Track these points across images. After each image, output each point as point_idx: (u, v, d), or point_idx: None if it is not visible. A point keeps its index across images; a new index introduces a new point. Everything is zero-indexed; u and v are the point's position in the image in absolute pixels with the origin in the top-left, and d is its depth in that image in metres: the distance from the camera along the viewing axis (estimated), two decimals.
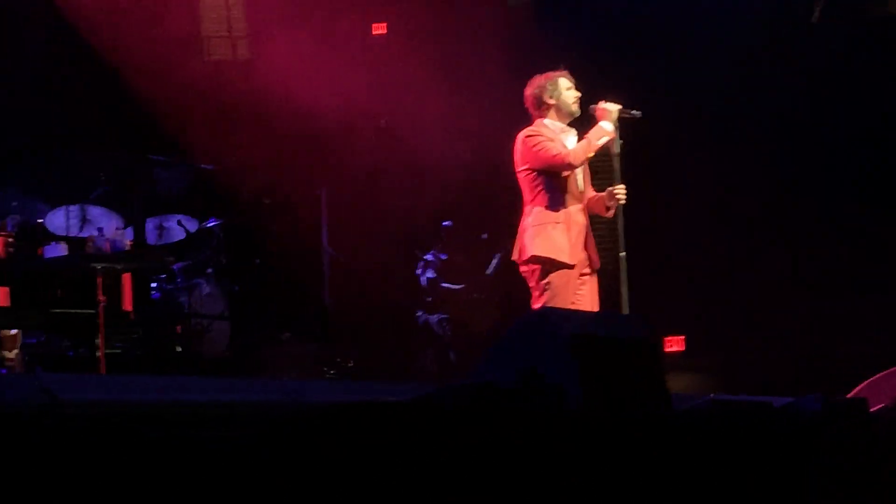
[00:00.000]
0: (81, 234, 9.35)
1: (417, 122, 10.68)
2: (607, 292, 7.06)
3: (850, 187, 9.84)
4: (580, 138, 6.94)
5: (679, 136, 10.11)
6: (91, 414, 3.17)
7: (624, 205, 6.96)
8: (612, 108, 6.95)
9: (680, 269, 10.24)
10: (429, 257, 11.01)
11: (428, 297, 10.90)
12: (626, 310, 6.81)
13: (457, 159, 10.55)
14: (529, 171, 6.88)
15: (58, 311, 8.61)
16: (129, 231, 9.66)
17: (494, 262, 10.87)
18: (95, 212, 9.65)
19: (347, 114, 10.68)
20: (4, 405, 3.12)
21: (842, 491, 3.82)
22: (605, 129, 6.89)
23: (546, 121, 6.95)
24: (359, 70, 10.88)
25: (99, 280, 8.25)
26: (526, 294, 6.97)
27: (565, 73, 7.01)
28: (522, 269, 6.91)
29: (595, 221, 7.05)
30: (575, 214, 6.86)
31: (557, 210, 6.82)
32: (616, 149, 6.96)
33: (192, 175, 10.97)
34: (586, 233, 6.90)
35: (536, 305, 6.74)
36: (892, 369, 5.23)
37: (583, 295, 6.83)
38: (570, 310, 6.27)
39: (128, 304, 8.73)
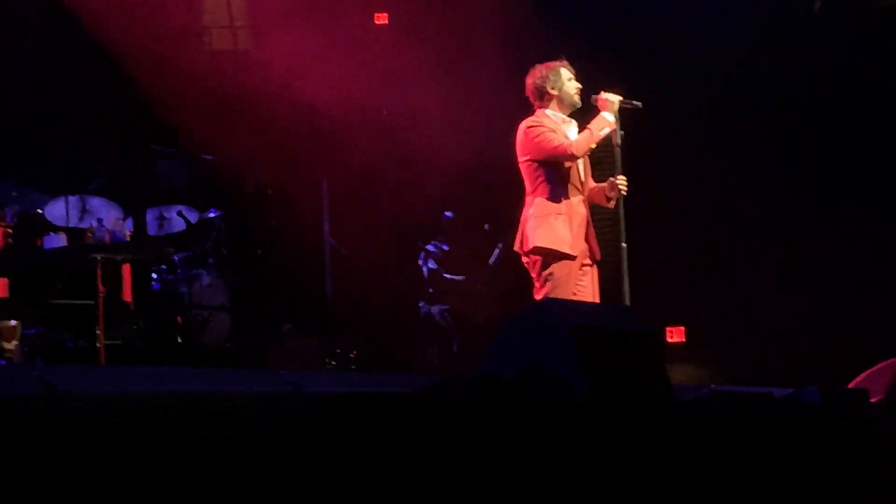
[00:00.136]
0: (81, 225, 9.33)
1: (419, 113, 10.65)
2: (608, 283, 7.04)
3: (848, 182, 9.83)
4: (581, 129, 6.93)
5: (680, 127, 10.09)
6: (90, 405, 3.17)
7: (625, 196, 6.94)
8: (614, 98, 6.93)
9: (681, 261, 10.24)
10: (430, 248, 11.00)
11: (430, 287, 10.89)
12: (626, 301, 6.80)
13: (458, 150, 10.53)
14: (531, 162, 6.87)
15: (57, 302, 8.61)
16: (130, 222, 9.63)
17: (496, 252, 10.87)
18: (95, 202, 9.62)
19: (349, 105, 10.65)
20: (4, 396, 3.11)
21: (840, 481, 3.82)
22: (607, 120, 6.87)
23: (548, 111, 6.94)
24: (360, 61, 10.85)
25: (99, 271, 8.24)
26: (528, 284, 6.96)
27: (565, 62, 6.99)
28: (524, 259, 6.90)
29: (596, 212, 7.04)
30: (576, 205, 6.85)
31: (559, 201, 6.81)
32: (617, 139, 6.94)
33: (193, 166, 10.94)
34: (587, 224, 6.89)
35: (538, 296, 6.72)
36: (887, 362, 5.22)
37: (584, 286, 6.83)
38: (571, 301, 6.26)
39: (128, 295, 8.73)
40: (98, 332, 8.14)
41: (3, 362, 8.07)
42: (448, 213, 11.08)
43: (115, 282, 8.67)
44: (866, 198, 9.71)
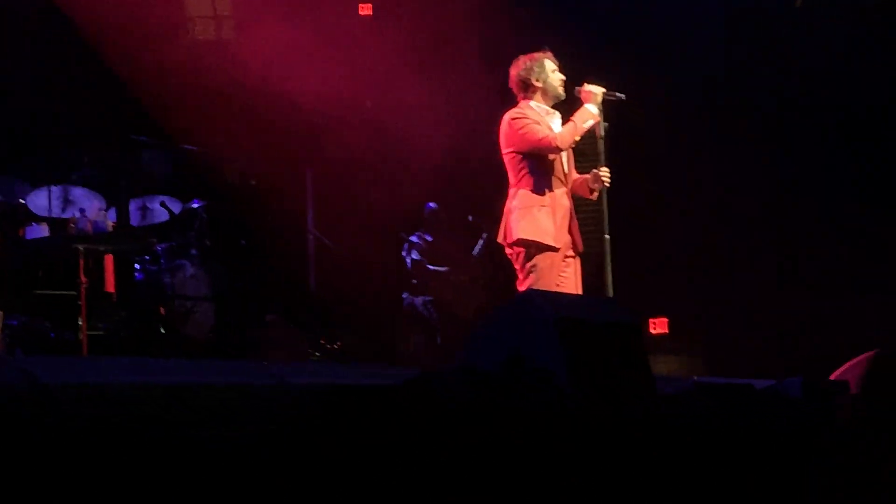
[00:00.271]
0: (64, 215, 9.30)
1: (403, 104, 10.64)
2: (592, 275, 7.06)
3: (829, 174, 9.86)
4: (564, 120, 6.93)
5: (664, 119, 10.11)
6: (72, 396, 3.16)
7: (608, 187, 6.95)
8: (597, 90, 6.93)
9: (664, 252, 10.26)
10: (414, 239, 10.99)
11: (413, 279, 10.89)
12: (610, 292, 6.82)
13: (442, 141, 10.53)
14: (515, 154, 6.87)
15: (40, 292, 8.59)
16: (112, 212, 9.60)
17: (480, 244, 10.87)
18: (78, 192, 9.58)
19: (333, 95, 10.63)
20: None
21: (822, 471, 3.84)
22: (591, 112, 6.88)
23: (532, 103, 6.93)
24: (345, 52, 10.83)
25: (81, 261, 8.22)
26: (511, 276, 6.97)
27: (549, 53, 6.99)
28: (508, 251, 6.91)
29: (579, 204, 7.04)
30: (560, 197, 6.85)
31: (543, 193, 6.81)
32: (601, 131, 6.95)
33: (176, 156, 10.91)
34: (571, 216, 6.90)
35: (522, 287, 6.73)
36: (861, 356, 5.23)
37: (567, 277, 6.83)
38: (554, 293, 6.27)
39: (110, 286, 8.71)
40: (80, 322, 8.11)
41: None
42: (431, 205, 11.07)
43: (97, 272, 8.65)
44: (845, 190, 9.75)
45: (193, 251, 9.85)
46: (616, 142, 7.15)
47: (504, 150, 6.92)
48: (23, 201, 9.34)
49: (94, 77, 10.60)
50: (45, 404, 3.00)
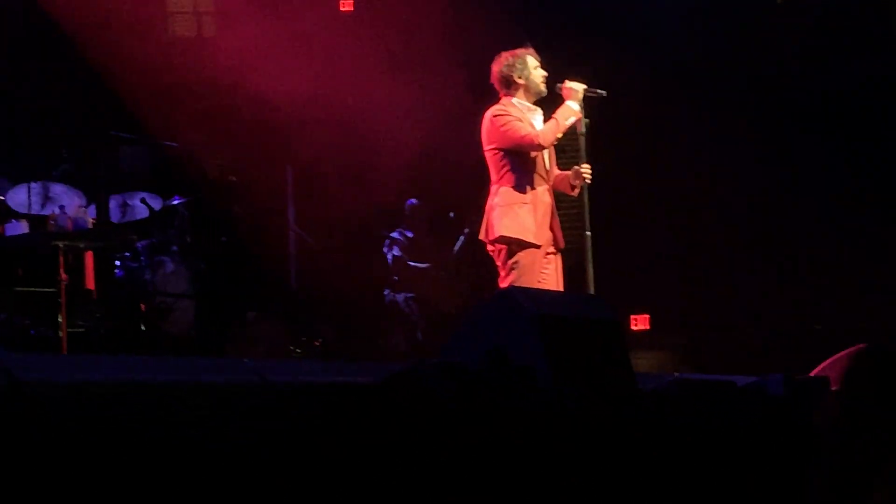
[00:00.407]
0: (43, 212, 9.25)
1: (384, 100, 10.64)
2: (573, 271, 7.07)
3: (810, 168, 9.89)
4: (546, 117, 6.93)
5: (645, 115, 10.13)
6: (51, 394, 3.14)
7: (589, 184, 6.96)
8: (578, 87, 6.94)
9: (645, 249, 10.28)
10: (395, 235, 10.99)
11: (394, 275, 10.88)
12: (591, 289, 6.83)
13: (424, 137, 10.52)
14: (497, 151, 6.87)
15: (19, 289, 8.54)
16: (92, 209, 9.56)
17: (460, 240, 10.87)
18: (58, 189, 9.54)
19: (314, 92, 10.62)
20: None
21: (804, 467, 3.85)
22: (572, 109, 6.89)
23: (514, 100, 6.93)
24: (326, 48, 10.82)
25: (61, 258, 8.18)
26: (492, 273, 6.97)
27: (531, 49, 6.99)
28: (489, 248, 6.91)
29: (561, 200, 7.05)
30: (541, 194, 6.86)
31: (524, 190, 6.82)
32: (582, 128, 6.95)
33: (156, 152, 10.88)
34: (552, 212, 6.91)
35: (503, 284, 6.74)
36: (842, 353, 5.25)
37: (548, 274, 6.85)
38: (536, 290, 6.26)
39: (90, 283, 8.67)
40: (60, 319, 8.08)
41: None
42: (412, 201, 11.07)
43: (77, 269, 8.61)
44: (827, 185, 9.78)
45: (174, 248, 9.82)
46: (597, 138, 7.16)
47: (486, 147, 6.92)
48: (2, 198, 9.29)
49: (73, 73, 10.56)
50: (23, 402, 2.98)
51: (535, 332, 4.13)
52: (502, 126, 6.82)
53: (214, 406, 3.23)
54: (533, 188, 6.84)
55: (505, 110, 6.88)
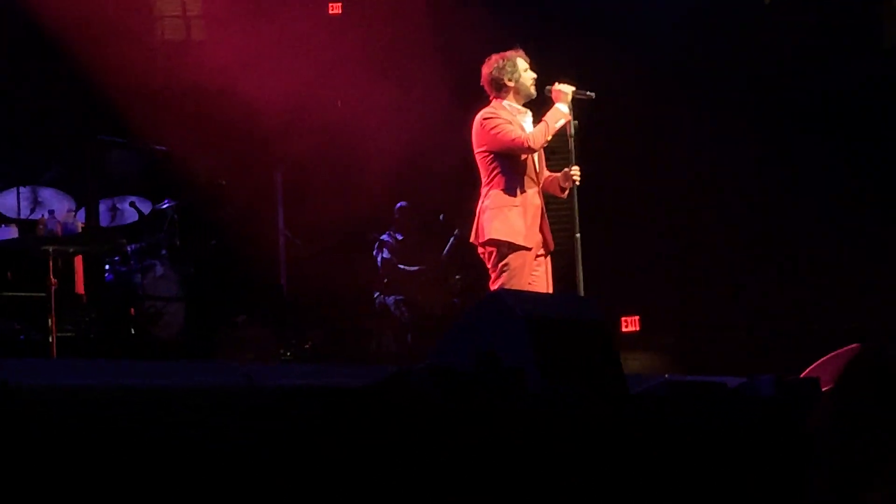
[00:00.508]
0: (32, 217, 9.24)
1: (373, 103, 10.64)
2: (563, 273, 7.07)
3: (804, 170, 9.90)
4: (535, 118, 6.93)
5: (634, 116, 10.14)
6: (42, 399, 3.13)
7: (578, 186, 6.96)
8: (567, 89, 6.94)
9: (635, 250, 10.29)
10: (385, 238, 10.99)
11: (384, 278, 10.88)
12: (581, 291, 6.83)
13: (413, 139, 10.52)
14: (487, 154, 6.87)
15: (9, 294, 8.53)
16: (81, 213, 9.55)
17: (450, 241, 10.87)
18: (47, 194, 9.53)
19: (303, 94, 10.62)
20: None
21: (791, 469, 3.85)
22: (562, 111, 6.89)
23: (504, 102, 6.93)
24: (315, 51, 10.82)
25: (50, 263, 8.17)
26: (483, 275, 6.98)
27: (521, 51, 6.99)
28: (480, 250, 6.91)
29: (550, 202, 7.06)
30: (531, 197, 6.86)
31: (515, 193, 6.82)
32: (571, 130, 6.96)
33: (146, 156, 10.86)
34: (542, 215, 6.91)
35: (494, 287, 6.74)
36: (844, 349, 5.26)
37: (538, 276, 6.85)
38: (526, 292, 6.28)
39: (80, 287, 8.66)
40: (50, 324, 8.06)
41: None
42: (402, 203, 11.06)
43: (67, 274, 8.60)
44: (817, 186, 9.79)
45: (163, 251, 9.81)
46: (586, 140, 7.16)
47: (476, 150, 6.92)
48: None
49: (61, 76, 10.54)
50: (13, 407, 2.98)
51: (525, 335, 4.14)
52: (492, 129, 6.82)
53: (204, 410, 3.22)
54: (523, 191, 6.84)
55: (495, 113, 6.88)
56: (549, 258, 6.96)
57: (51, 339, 8.04)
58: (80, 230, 9.00)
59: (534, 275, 6.83)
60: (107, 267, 9.47)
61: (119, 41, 10.26)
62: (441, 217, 10.99)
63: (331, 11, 11.11)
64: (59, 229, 8.76)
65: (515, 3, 10.42)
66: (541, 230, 6.88)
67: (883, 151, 9.78)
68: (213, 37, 10.85)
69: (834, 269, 9.68)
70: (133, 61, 10.22)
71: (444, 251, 10.94)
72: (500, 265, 6.76)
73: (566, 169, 6.96)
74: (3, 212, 9.31)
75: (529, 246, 6.78)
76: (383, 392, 3.44)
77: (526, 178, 6.86)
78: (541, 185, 6.95)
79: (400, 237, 11.01)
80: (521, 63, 6.95)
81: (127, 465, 2.90)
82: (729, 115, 10.02)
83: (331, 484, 3.02)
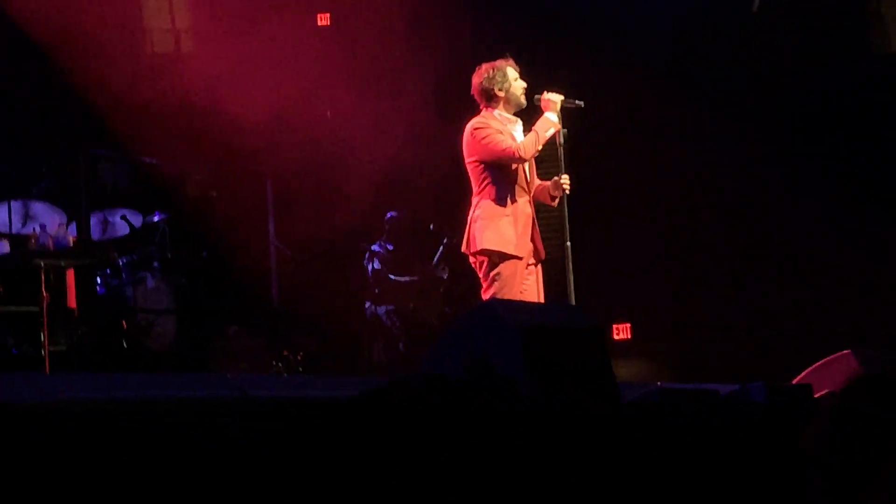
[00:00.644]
0: (24, 231, 9.23)
1: (363, 113, 10.65)
2: (553, 282, 7.08)
3: (793, 176, 9.92)
4: (525, 128, 6.95)
5: (623, 125, 10.16)
6: (35, 413, 3.14)
7: (568, 194, 6.97)
8: (556, 98, 6.96)
9: (626, 258, 10.30)
10: (375, 248, 10.99)
11: (375, 288, 10.88)
12: (572, 299, 6.84)
13: (403, 149, 10.54)
14: (478, 164, 6.88)
15: (1, 308, 8.52)
16: (73, 226, 9.55)
17: (439, 251, 10.88)
18: (38, 207, 9.52)
19: (292, 105, 10.63)
20: None
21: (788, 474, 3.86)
22: (551, 121, 6.90)
23: (495, 112, 6.94)
24: (304, 61, 10.83)
25: (42, 277, 8.16)
26: (474, 284, 6.99)
27: (511, 61, 7.00)
28: (471, 260, 6.92)
29: (541, 211, 7.07)
30: (522, 206, 6.88)
31: (505, 202, 6.83)
32: (560, 139, 6.97)
33: (136, 168, 10.86)
34: (533, 224, 6.92)
35: (485, 296, 6.75)
36: (835, 355, 5.27)
37: (529, 285, 6.86)
38: (518, 301, 6.29)
39: (72, 301, 8.65)
40: (42, 338, 8.06)
41: None
42: (392, 213, 11.07)
43: (59, 287, 8.59)
44: (808, 192, 9.81)
45: (155, 264, 9.81)
46: (576, 148, 7.18)
47: (467, 160, 6.93)
48: None
49: (51, 89, 10.53)
50: (6, 422, 2.98)
51: (516, 344, 4.14)
52: (483, 139, 6.84)
53: (197, 421, 3.23)
54: (514, 200, 6.85)
55: (486, 123, 6.89)
56: (540, 267, 6.97)
57: (43, 354, 8.03)
58: (71, 244, 8.99)
59: (525, 284, 6.84)
60: (98, 280, 9.46)
61: (109, 54, 10.26)
62: (431, 227, 11.00)
63: (319, 23, 11.12)
64: (50, 243, 8.75)
65: (502, 14, 10.43)
66: (532, 239, 6.89)
67: (880, 152, 9.80)
68: (203, 49, 10.85)
69: (828, 275, 9.70)
70: (123, 74, 10.22)
71: (435, 259, 10.94)
72: (491, 274, 6.77)
73: (556, 178, 6.97)
74: None
75: (521, 255, 6.79)
76: (373, 403, 3.45)
77: (517, 187, 6.88)
78: (531, 194, 6.97)
79: (390, 247, 11.01)
80: (511, 72, 6.97)
81: (121, 478, 2.90)
82: (719, 123, 10.04)
83: (325, 494, 3.03)
